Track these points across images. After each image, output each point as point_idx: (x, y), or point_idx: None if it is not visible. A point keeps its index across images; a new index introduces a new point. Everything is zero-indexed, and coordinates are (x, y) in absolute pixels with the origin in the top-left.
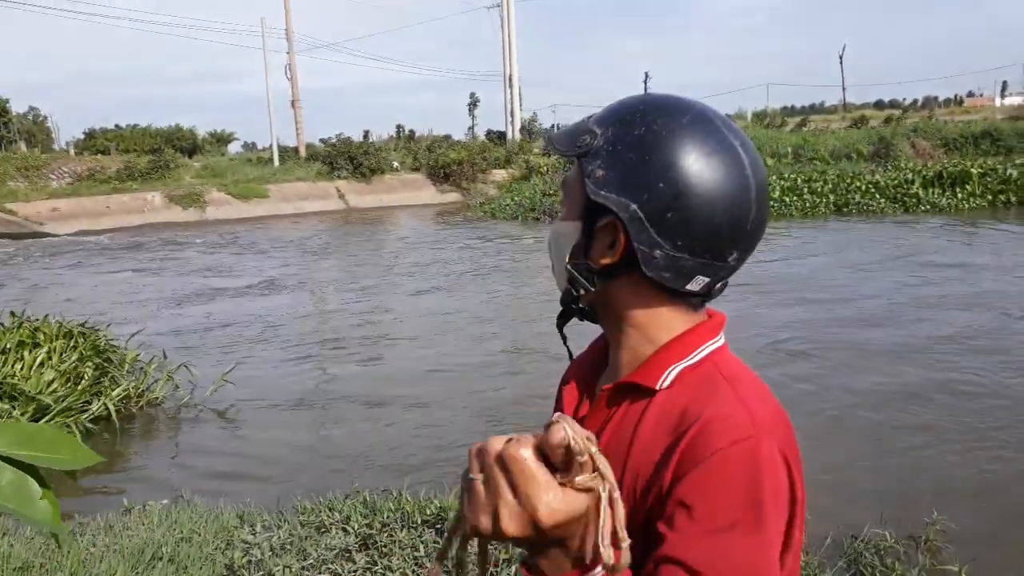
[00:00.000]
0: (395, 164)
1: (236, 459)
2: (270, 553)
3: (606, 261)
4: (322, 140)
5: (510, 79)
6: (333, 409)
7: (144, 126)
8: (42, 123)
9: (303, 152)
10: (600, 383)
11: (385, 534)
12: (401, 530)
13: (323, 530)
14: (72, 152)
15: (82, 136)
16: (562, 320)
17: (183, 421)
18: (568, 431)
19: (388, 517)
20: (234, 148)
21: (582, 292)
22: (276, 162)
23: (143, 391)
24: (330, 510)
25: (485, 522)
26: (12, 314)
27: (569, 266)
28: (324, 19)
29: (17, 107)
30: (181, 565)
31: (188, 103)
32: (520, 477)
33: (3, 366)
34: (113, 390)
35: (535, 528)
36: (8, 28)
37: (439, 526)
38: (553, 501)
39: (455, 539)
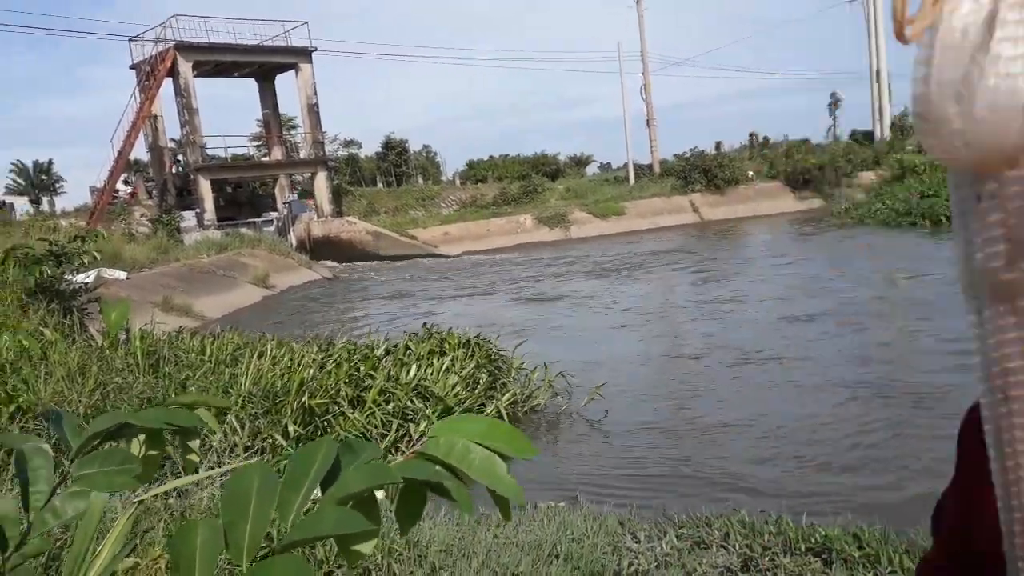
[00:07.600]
0: (750, 173)
1: (610, 466)
2: (655, 564)
3: None
4: (676, 155)
5: (877, 74)
6: (696, 425)
7: (514, 155)
8: (432, 158)
9: (657, 169)
10: None
11: (767, 557)
12: (784, 555)
13: (703, 546)
14: (457, 182)
15: (464, 167)
16: None
17: (561, 428)
18: None
19: (769, 540)
20: (591, 170)
21: None
22: (632, 180)
23: (527, 397)
24: (708, 526)
25: None
26: (425, 326)
27: None
28: (674, 37)
29: (413, 146)
30: (575, 565)
31: (551, 130)
32: None
33: (420, 371)
34: (503, 395)
35: None
36: (404, 81)
37: (825, 556)
38: None
39: None
